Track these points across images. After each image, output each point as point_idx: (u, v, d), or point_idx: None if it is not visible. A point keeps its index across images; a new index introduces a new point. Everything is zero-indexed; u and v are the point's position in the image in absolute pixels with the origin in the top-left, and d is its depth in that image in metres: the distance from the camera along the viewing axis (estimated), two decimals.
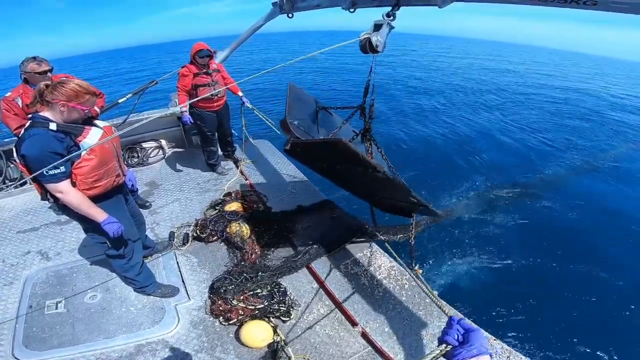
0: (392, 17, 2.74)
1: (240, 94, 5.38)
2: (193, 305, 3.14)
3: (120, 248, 2.81)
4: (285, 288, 3.24)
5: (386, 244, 3.63)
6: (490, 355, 1.19)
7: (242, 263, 3.56)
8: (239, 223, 3.96)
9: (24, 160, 2.10)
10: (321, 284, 3.39)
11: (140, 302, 3.14)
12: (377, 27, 2.70)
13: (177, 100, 5.26)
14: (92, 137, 2.32)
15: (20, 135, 2.15)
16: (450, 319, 1.38)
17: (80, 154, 2.24)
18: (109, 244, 2.73)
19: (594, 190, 8.23)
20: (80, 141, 2.26)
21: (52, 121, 2.16)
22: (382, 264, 3.61)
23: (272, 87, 18.16)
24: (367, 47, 2.69)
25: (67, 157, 2.09)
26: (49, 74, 3.53)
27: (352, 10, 3.65)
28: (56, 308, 3.04)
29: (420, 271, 2.95)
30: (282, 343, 2.74)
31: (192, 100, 4.62)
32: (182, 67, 4.79)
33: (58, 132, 2.15)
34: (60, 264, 3.60)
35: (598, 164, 10.10)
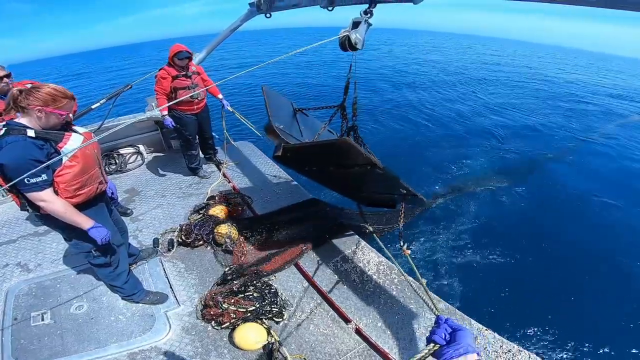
0: (369, 15, 2.78)
1: (220, 96, 5.33)
2: (183, 311, 3.09)
3: (106, 256, 2.75)
4: (275, 289, 3.22)
5: (375, 237, 3.66)
6: (478, 354, 1.22)
7: (232, 267, 3.53)
8: (227, 225, 3.93)
9: (2, 169, 1.99)
10: (312, 283, 3.39)
11: (129, 310, 3.08)
12: (356, 24, 2.73)
13: (154, 104, 5.16)
14: (73, 143, 2.23)
15: None
16: (438, 318, 1.42)
17: (61, 160, 2.16)
18: (94, 252, 2.65)
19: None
20: (61, 148, 2.17)
21: (29, 128, 2.06)
22: (370, 259, 3.64)
23: (250, 86, 17.92)
24: (347, 44, 2.72)
25: (48, 162, 1.96)
26: (5, 79, 3.42)
27: (330, 8, 3.67)
28: (42, 319, 2.94)
29: (409, 252, 2.91)
30: (277, 344, 2.74)
31: (172, 102, 4.52)
32: (160, 70, 4.70)
33: (37, 139, 2.05)
34: (42, 275, 3.49)
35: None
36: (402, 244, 3.00)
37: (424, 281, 2.85)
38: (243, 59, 32.61)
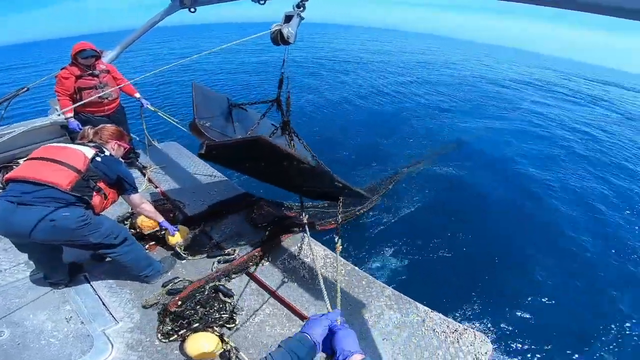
0: (302, 8, 2.78)
1: (137, 95, 4.97)
2: (123, 328, 2.82)
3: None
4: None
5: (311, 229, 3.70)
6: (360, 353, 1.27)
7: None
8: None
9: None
10: (260, 284, 3.31)
11: (61, 332, 2.72)
12: (288, 18, 2.73)
13: (58, 108, 4.64)
14: None
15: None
16: (309, 320, 1.46)
17: None
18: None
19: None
20: None
21: None
22: (317, 253, 3.63)
23: (181, 84, 16.82)
24: (279, 38, 2.71)
25: None
26: None
27: (262, 2, 3.62)
28: None
29: (340, 248, 2.98)
30: (234, 350, 2.62)
31: (78, 104, 4.06)
32: (62, 69, 4.25)
33: None
34: None
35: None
36: (337, 240, 3.05)
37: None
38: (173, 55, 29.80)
